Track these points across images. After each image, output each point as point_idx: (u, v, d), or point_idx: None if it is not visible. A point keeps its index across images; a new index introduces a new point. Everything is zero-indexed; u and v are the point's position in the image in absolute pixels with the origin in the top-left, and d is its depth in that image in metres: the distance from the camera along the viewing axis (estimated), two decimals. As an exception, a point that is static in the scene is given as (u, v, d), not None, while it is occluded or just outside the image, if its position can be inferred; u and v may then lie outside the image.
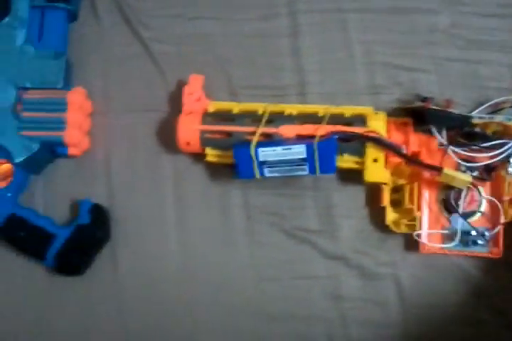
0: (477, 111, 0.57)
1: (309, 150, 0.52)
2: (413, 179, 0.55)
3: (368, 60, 0.60)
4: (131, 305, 0.58)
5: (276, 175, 0.54)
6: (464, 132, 0.54)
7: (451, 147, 0.53)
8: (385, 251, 0.57)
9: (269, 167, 0.53)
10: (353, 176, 0.56)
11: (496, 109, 0.57)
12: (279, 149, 0.52)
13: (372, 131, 0.54)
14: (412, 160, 0.53)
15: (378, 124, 0.54)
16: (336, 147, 0.53)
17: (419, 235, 0.54)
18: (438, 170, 0.52)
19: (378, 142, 0.53)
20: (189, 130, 0.55)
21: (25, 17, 0.60)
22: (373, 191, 0.57)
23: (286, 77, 0.61)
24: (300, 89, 0.60)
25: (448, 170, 0.52)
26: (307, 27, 0.61)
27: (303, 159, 0.52)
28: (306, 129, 0.54)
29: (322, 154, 0.52)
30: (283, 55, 0.61)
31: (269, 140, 0.54)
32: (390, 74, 0.60)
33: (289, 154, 0.52)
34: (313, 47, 0.61)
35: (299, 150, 0.52)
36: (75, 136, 0.57)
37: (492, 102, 0.57)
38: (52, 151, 0.58)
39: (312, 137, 0.53)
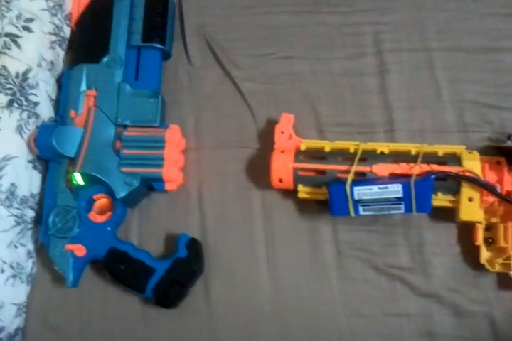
0: None
1: (406, 189, 0.55)
2: (507, 218, 0.58)
3: (456, 98, 0.63)
4: (223, 336, 0.60)
5: (370, 213, 0.56)
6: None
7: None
8: (478, 289, 0.58)
9: (363, 205, 0.56)
10: (443, 213, 0.58)
11: None
12: (374, 188, 0.55)
13: (467, 171, 0.56)
14: (507, 199, 0.56)
15: (473, 163, 0.57)
16: (432, 186, 0.56)
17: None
18: (534, 209, 0.55)
19: (474, 182, 0.56)
20: (282, 167, 0.59)
21: (123, 57, 0.65)
22: (465, 229, 0.59)
23: (374, 115, 0.64)
24: (388, 127, 0.63)
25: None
26: (394, 65, 0.65)
27: (399, 198, 0.55)
28: (401, 168, 0.58)
29: (419, 193, 0.55)
30: (371, 92, 0.65)
31: (362, 178, 0.57)
32: (478, 112, 0.62)
33: (385, 193, 0.55)
34: (401, 85, 0.64)
35: (396, 190, 0.55)
36: (172, 172, 0.61)
37: None
38: (149, 186, 0.63)
39: (406, 176, 0.57)
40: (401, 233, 0.61)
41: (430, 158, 0.58)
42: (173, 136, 0.62)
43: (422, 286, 0.59)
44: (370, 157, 0.59)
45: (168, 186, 0.62)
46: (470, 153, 0.58)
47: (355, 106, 0.65)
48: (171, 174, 0.62)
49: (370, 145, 0.60)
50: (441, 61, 0.64)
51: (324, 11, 0.67)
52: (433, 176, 0.56)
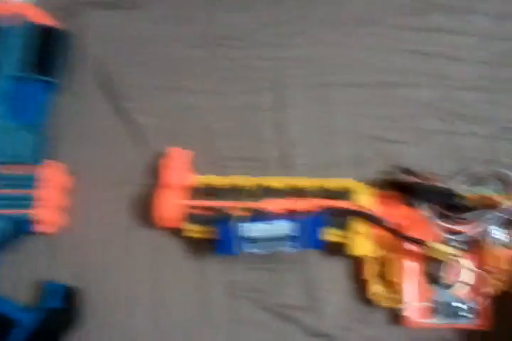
0: (457, 182, 0.61)
1: (296, 226, 0.56)
2: (398, 251, 0.59)
3: (352, 132, 0.64)
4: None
5: (258, 251, 0.56)
6: (448, 204, 0.60)
7: (435, 220, 0.58)
8: (370, 326, 0.59)
9: (251, 243, 0.56)
10: (337, 248, 0.58)
11: (475, 181, 0.63)
12: (263, 225, 0.56)
13: (358, 205, 0.58)
14: (397, 233, 0.58)
15: (365, 198, 0.59)
16: (323, 222, 0.57)
17: (403, 309, 0.57)
18: (421, 243, 0.57)
19: (365, 216, 0.58)
20: (168, 205, 0.58)
21: (2, 88, 0.61)
22: (358, 264, 0.60)
23: (271, 149, 0.64)
24: (285, 161, 0.64)
25: (431, 243, 0.56)
26: (292, 100, 0.66)
27: (288, 235, 0.56)
28: (292, 204, 0.59)
29: (308, 230, 0.56)
30: (268, 127, 0.65)
31: (253, 215, 0.58)
32: (373, 146, 0.64)
33: (274, 230, 0.56)
34: (298, 119, 0.65)
35: (285, 226, 0.56)
36: (45, 213, 0.58)
37: (471, 172, 0.62)
38: (20, 229, 0.59)
39: (297, 212, 0.58)
40: (294, 270, 0.61)
41: (323, 193, 0.59)
42: (49, 174, 0.60)
43: (313, 326, 0.59)
44: (263, 192, 0.59)
45: (42, 228, 0.59)
46: (362, 187, 0.60)
47: (253, 140, 0.65)
48: (44, 215, 0.59)
49: (263, 180, 0.60)
50: (338, 96, 0.66)
51: (226, 45, 0.68)
52: (322, 212, 0.57)
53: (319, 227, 0.56)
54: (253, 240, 0.55)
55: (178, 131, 0.65)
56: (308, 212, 0.57)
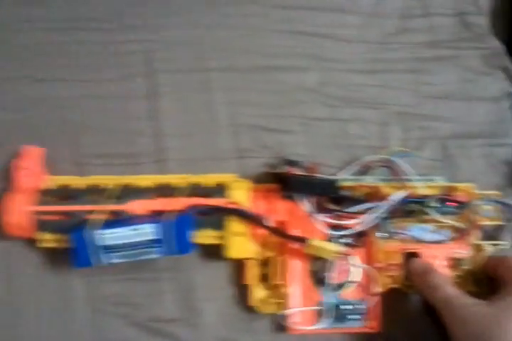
0: (345, 172, 0.58)
1: (160, 229, 0.50)
2: (281, 251, 0.54)
3: (233, 122, 0.59)
4: None
5: (123, 260, 0.50)
6: (332, 197, 0.55)
7: (315, 215, 0.53)
8: (253, 335, 0.54)
9: (114, 252, 0.50)
10: (215, 252, 0.53)
11: (365, 171, 0.59)
12: (125, 230, 0.50)
13: (233, 202, 0.53)
14: (275, 231, 0.53)
15: (240, 194, 0.53)
16: (192, 223, 0.52)
17: (286, 315, 0.53)
18: (302, 241, 0.52)
19: (239, 214, 0.53)
20: (17, 211, 0.51)
21: None
22: (239, 267, 0.54)
23: (143, 143, 0.58)
24: (158, 156, 0.58)
25: (313, 241, 0.52)
26: (167, 87, 0.60)
27: (153, 240, 0.50)
28: (159, 204, 0.53)
29: (175, 233, 0.50)
30: (140, 118, 0.59)
31: (113, 219, 0.52)
32: (255, 136, 0.59)
33: (138, 235, 0.50)
34: (173, 109, 0.59)
35: (149, 230, 0.50)
36: None
37: (360, 161, 0.58)
38: None
39: (167, 213, 0.52)
40: (168, 279, 0.55)
41: (196, 190, 0.54)
42: None
43: (189, 339, 0.54)
44: (129, 193, 0.53)
45: None
46: (239, 182, 0.55)
47: (122, 134, 0.59)
48: None
49: (129, 179, 0.55)
50: (218, 82, 0.61)
51: (86, 28, 0.61)
52: (190, 212, 0.51)
53: (189, 229, 0.51)
54: (113, 248, 0.49)
55: (34, 126, 0.58)
56: (177, 213, 0.51)
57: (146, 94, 0.60)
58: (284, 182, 0.53)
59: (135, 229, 0.49)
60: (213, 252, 0.54)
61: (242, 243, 0.52)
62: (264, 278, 0.54)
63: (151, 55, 0.61)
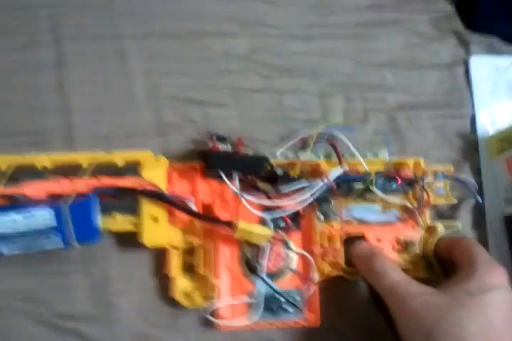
0: (281, 148, 0.52)
1: (59, 214, 0.43)
2: (208, 238, 0.48)
3: (152, 94, 0.52)
4: None
5: (17, 251, 0.43)
6: (265, 176, 0.49)
7: (244, 195, 0.47)
8: (177, 332, 0.48)
9: (5, 242, 0.43)
10: (133, 239, 0.46)
11: (303, 145, 0.53)
12: (18, 217, 0.42)
13: (147, 183, 0.46)
14: (198, 215, 0.46)
15: (156, 173, 0.46)
16: (96, 207, 0.45)
17: (214, 309, 0.46)
18: (230, 225, 0.46)
19: (154, 196, 0.46)
20: None
21: None
22: (162, 256, 0.48)
23: (49, 119, 0.51)
24: (66, 133, 0.51)
25: (243, 225, 0.45)
26: (76, 56, 0.53)
27: (52, 228, 0.43)
28: (59, 186, 0.46)
29: (78, 218, 0.43)
30: (46, 91, 0.52)
31: (8, 204, 0.44)
32: (179, 110, 0.52)
33: (33, 223, 0.42)
34: (84, 80, 0.52)
35: (45, 216, 0.43)
36: None
37: (298, 137, 0.52)
38: None
39: (68, 195, 0.45)
40: (80, 271, 0.48)
41: (107, 169, 0.47)
42: None
43: (104, 338, 0.47)
44: (24, 174, 0.46)
45: None
46: (156, 160, 0.48)
47: (27, 109, 0.52)
48: None
49: (26, 159, 0.47)
50: (135, 50, 0.54)
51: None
52: (95, 194, 0.44)
53: (92, 214, 0.43)
54: (10, 238, 0.42)
55: None
56: (81, 195, 0.44)
57: (53, 65, 0.53)
58: (208, 160, 0.46)
59: (29, 216, 0.42)
60: (130, 240, 0.47)
61: (159, 229, 0.46)
62: (190, 268, 0.48)
63: (58, 21, 0.54)
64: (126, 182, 0.45)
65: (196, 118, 0.52)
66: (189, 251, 0.48)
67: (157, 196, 0.45)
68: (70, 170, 0.47)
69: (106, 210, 0.46)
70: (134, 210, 0.46)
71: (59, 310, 0.47)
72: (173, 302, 0.47)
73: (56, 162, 0.46)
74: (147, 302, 0.48)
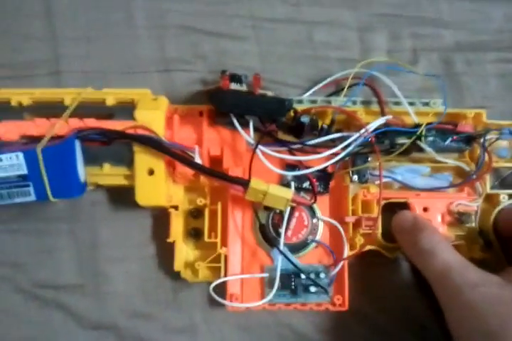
0: (308, 92, 0.42)
1: (31, 159, 0.35)
2: (217, 198, 0.40)
3: (155, 22, 0.44)
4: None
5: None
6: (287, 124, 0.40)
7: (262, 148, 0.37)
8: (178, 310, 0.40)
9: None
10: (131, 197, 0.39)
11: (337, 89, 0.43)
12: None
13: (139, 126, 0.37)
14: (205, 170, 0.37)
15: (152, 115, 0.37)
16: (80, 153, 0.36)
17: (223, 285, 0.38)
18: (243, 184, 0.37)
19: (148, 143, 0.37)
20: None
21: None
22: (163, 218, 0.40)
23: (35, 50, 0.43)
24: (52, 67, 0.43)
25: (259, 184, 0.36)
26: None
27: (23, 176, 0.35)
28: (36, 127, 0.37)
29: (54, 165, 0.35)
30: (29, 18, 0.44)
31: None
32: (187, 42, 0.44)
33: (2, 169, 0.35)
34: (73, 5, 0.44)
35: (13, 161, 0.35)
36: None
37: (330, 79, 0.43)
38: None
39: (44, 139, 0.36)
40: (66, 231, 0.41)
41: (93, 110, 0.38)
42: None
43: (91, 314, 0.40)
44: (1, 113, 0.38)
45: None
46: (153, 99, 0.39)
47: (7, 38, 0.44)
48: None
49: (1, 94, 0.39)
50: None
51: None
52: (76, 137, 0.36)
53: (72, 161, 0.35)
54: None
55: None
56: (58, 139, 0.35)
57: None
58: (216, 99, 0.37)
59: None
60: (126, 197, 0.39)
61: (155, 185, 0.37)
62: (196, 235, 0.40)
63: None
64: (115, 124, 0.36)
65: (207, 53, 0.44)
66: (195, 214, 0.40)
67: (151, 143, 0.36)
68: (53, 112, 0.38)
69: (95, 160, 0.38)
70: (126, 161, 0.37)
71: (40, 277, 0.40)
72: (174, 275, 0.39)
73: (35, 98, 0.38)
74: (142, 273, 0.41)
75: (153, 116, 0.37)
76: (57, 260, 0.40)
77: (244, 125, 0.37)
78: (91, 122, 0.37)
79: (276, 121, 0.37)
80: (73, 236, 0.41)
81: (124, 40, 0.44)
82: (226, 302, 0.37)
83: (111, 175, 0.38)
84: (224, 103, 0.36)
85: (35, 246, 0.41)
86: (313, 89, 0.42)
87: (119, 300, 0.40)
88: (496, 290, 0.31)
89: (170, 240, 0.38)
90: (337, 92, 0.42)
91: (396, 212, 0.39)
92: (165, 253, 0.40)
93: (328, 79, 0.42)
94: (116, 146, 0.38)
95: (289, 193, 0.36)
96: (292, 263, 0.37)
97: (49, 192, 0.35)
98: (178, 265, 0.39)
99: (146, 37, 0.44)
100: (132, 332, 0.39)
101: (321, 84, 0.42)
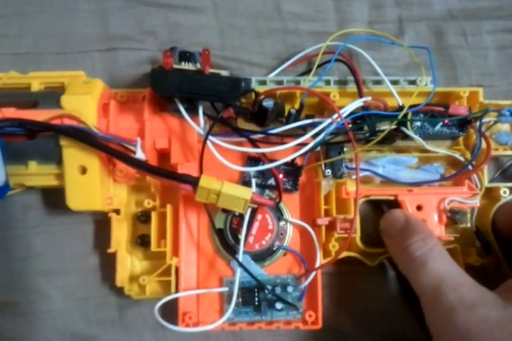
0: (277, 71, 0.36)
1: None
2: (166, 200, 0.34)
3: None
4: None
5: None
6: (247, 109, 0.34)
7: (211, 138, 0.31)
8: (126, 332, 0.35)
9: None
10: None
11: (308, 68, 0.37)
12: None
13: (65, 116, 0.31)
14: (143, 167, 0.31)
15: (82, 101, 0.31)
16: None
17: (175, 302, 0.33)
18: (191, 182, 0.31)
19: (79, 136, 0.31)
20: None
21: None
22: (107, 223, 0.34)
23: None
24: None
25: (208, 182, 0.30)
26: None
27: None
28: None
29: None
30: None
31: None
32: (133, 16, 0.38)
33: None
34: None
35: None
36: None
37: (300, 55, 0.37)
38: None
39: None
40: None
41: (20, 98, 0.32)
42: None
43: (24, 337, 0.35)
44: None
45: None
46: (86, 82, 0.33)
47: None
48: None
49: None
50: None
51: None
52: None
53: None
54: None
55: None
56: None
57: None
58: (158, 82, 0.30)
59: None
60: (63, 200, 0.32)
61: (89, 185, 0.31)
62: (143, 243, 0.34)
63: None
64: (38, 114, 0.30)
65: (157, 28, 0.38)
66: (143, 218, 0.34)
67: (80, 135, 0.30)
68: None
69: (19, 158, 0.32)
70: (59, 159, 0.31)
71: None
72: (120, 290, 0.33)
73: None
74: (85, 289, 0.35)
75: (82, 102, 0.31)
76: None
77: (194, 112, 0.31)
78: (9, 112, 0.31)
79: (231, 106, 0.31)
80: (2, 246, 0.35)
81: (61, 15, 0.38)
82: (185, 319, 0.31)
83: (38, 174, 0.32)
84: (164, 85, 0.30)
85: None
86: (280, 68, 0.36)
87: (56, 320, 0.34)
88: (495, 312, 0.25)
89: (111, 250, 0.33)
90: (308, 72, 0.36)
91: (387, 211, 0.33)
92: (109, 265, 0.34)
93: (298, 56, 0.36)
94: (44, 141, 0.32)
95: (247, 193, 0.30)
96: (251, 275, 0.31)
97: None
98: (120, 279, 0.33)
99: (85, 11, 0.38)
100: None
101: (289, 62, 0.36)
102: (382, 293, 0.35)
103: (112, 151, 0.31)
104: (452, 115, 0.33)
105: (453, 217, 0.33)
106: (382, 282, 0.35)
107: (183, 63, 0.32)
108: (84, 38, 0.38)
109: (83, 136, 0.30)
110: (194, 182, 0.30)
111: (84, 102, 0.31)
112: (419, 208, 0.34)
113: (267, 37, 0.38)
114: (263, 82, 0.34)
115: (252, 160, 0.34)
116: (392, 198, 0.34)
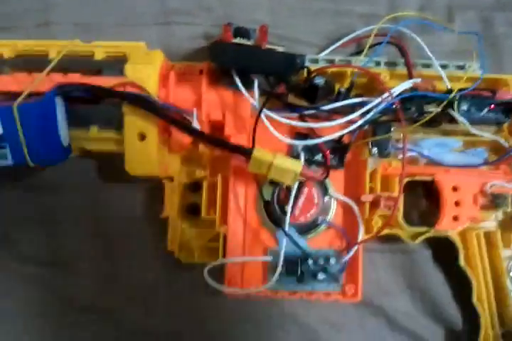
0: (325, 51, 0.38)
1: (8, 118, 0.31)
2: (217, 169, 0.35)
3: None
4: None
5: None
6: (299, 86, 0.35)
7: (269, 113, 0.33)
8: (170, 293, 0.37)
9: None
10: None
11: (359, 49, 0.39)
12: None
13: (129, 83, 0.33)
14: (199, 134, 0.33)
15: (144, 70, 0.33)
16: (62, 111, 0.32)
17: (221, 267, 0.34)
18: (242, 152, 0.32)
19: (137, 102, 0.33)
20: None
21: None
22: (157, 191, 0.36)
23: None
24: (41, 18, 0.39)
25: (264, 154, 0.32)
26: None
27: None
28: (15, 81, 0.33)
29: (32, 126, 0.31)
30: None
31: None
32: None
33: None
34: None
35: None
36: None
37: (351, 36, 0.38)
38: None
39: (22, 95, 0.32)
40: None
41: (83, 65, 0.34)
42: None
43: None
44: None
45: None
46: (147, 53, 0.34)
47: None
48: None
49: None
50: None
51: None
52: (55, 92, 0.31)
53: (55, 120, 0.31)
54: None
55: None
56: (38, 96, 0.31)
57: None
58: (216, 53, 0.32)
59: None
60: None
61: (147, 151, 0.32)
62: (193, 211, 0.36)
63: None
64: (102, 80, 0.32)
65: (212, 4, 0.40)
66: (192, 187, 0.36)
67: (142, 103, 0.32)
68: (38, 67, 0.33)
69: (82, 123, 0.34)
70: (116, 123, 0.33)
71: None
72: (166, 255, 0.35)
73: (17, 51, 0.34)
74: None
75: (145, 71, 0.33)
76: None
77: (249, 86, 0.33)
78: (75, 78, 0.33)
79: (286, 81, 0.33)
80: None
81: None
82: (224, 287, 0.33)
83: (99, 139, 0.34)
84: (223, 57, 0.32)
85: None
86: (330, 48, 0.38)
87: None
88: None
89: (163, 216, 0.34)
90: (359, 53, 0.37)
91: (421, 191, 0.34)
92: (159, 230, 0.35)
93: (349, 37, 0.37)
94: (106, 107, 0.33)
95: (298, 165, 0.32)
96: (298, 246, 0.33)
97: (27, 156, 0.31)
98: (172, 244, 0.34)
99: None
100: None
101: (340, 42, 0.38)
102: (421, 270, 0.36)
103: (172, 119, 0.32)
104: (498, 101, 0.34)
105: (494, 201, 0.34)
106: (421, 261, 0.36)
107: (238, 38, 0.34)
108: (142, 10, 0.39)
109: (144, 104, 0.32)
110: (248, 152, 0.31)
111: (147, 71, 0.33)
112: (455, 189, 0.35)
113: (318, 17, 0.39)
114: (315, 60, 0.35)
115: (301, 136, 0.35)
116: (429, 179, 0.35)
